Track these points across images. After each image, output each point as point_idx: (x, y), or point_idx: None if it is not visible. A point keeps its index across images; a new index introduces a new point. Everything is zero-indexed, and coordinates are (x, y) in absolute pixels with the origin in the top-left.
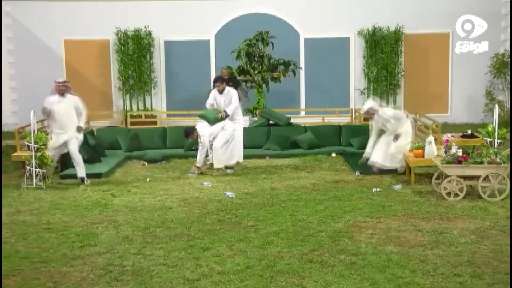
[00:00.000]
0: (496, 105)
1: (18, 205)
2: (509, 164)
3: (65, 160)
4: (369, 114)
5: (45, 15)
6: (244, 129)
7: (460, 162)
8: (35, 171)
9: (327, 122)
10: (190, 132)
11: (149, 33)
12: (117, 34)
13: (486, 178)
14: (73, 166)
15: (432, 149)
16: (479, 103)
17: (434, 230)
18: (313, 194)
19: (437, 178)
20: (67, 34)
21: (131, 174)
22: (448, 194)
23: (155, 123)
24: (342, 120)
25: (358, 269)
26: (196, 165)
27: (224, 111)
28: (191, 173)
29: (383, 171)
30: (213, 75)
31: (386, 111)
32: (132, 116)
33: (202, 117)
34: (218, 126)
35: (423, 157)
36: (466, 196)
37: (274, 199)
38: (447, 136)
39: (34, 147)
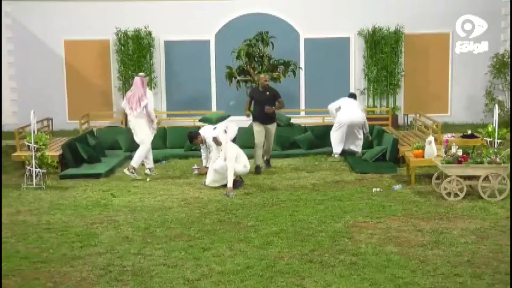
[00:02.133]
0: (496, 105)
1: (18, 205)
2: (509, 164)
3: (65, 160)
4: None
5: (45, 15)
6: (245, 129)
7: (460, 162)
8: (35, 171)
9: (327, 122)
10: (194, 136)
11: (149, 33)
12: (117, 34)
13: (486, 178)
14: (73, 167)
15: (432, 149)
16: (479, 103)
17: (434, 230)
18: (313, 194)
19: (437, 178)
20: (67, 34)
21: None
22: (448, 194)
23: None
24: None
25: (358, 269)
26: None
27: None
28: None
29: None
30: (213, 75)
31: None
32: None
33: (204, 120)
34: (221, 126)
35: (423, 157)
36: (466, 196)
37: (274, 199)
38: (447, 136)
39: (34, 147)
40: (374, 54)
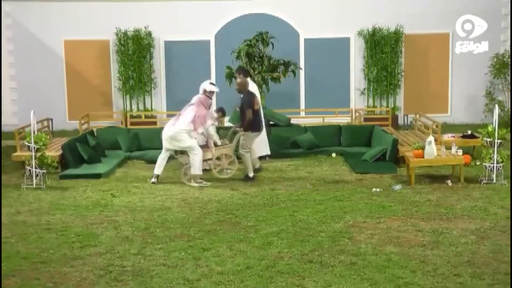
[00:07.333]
0: (496, 105)
1: (18, 206)
2: (231, 144)
3: (65, 160)
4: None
5: (45, 15)
6: None
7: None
8: (35, 171)
9: (327, 123)
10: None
11: (149, 33)
12: (117, 35)
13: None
14: (73, 167)
15: (432, 149)
16: (479, 103)
17: (434, 230)
18: (313, 194)
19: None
20: (67, 34)
21: (131, 174)
22: (189, 180)
23: (155, 123)
24: (342, 120)
25: (358, 269)
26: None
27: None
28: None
29: None
30: (213, 75)
31: None
32: (132, 116)
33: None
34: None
35: (423, 157)
36: (466, 196)
37: (274, 199)
38: (447, 137)
39: (34, 147)
40: (374, 54)
